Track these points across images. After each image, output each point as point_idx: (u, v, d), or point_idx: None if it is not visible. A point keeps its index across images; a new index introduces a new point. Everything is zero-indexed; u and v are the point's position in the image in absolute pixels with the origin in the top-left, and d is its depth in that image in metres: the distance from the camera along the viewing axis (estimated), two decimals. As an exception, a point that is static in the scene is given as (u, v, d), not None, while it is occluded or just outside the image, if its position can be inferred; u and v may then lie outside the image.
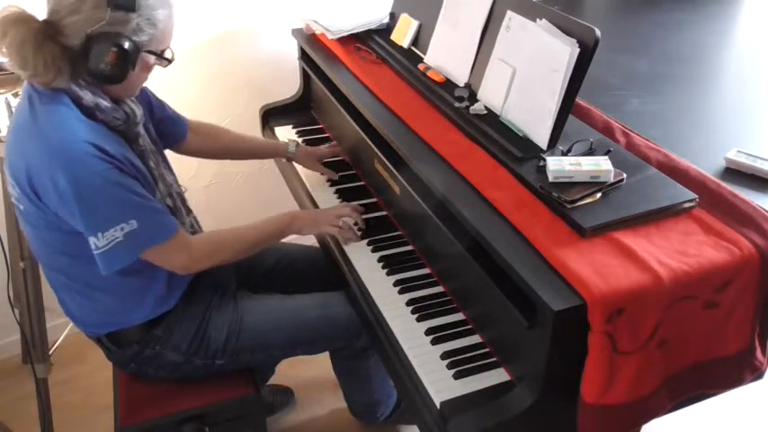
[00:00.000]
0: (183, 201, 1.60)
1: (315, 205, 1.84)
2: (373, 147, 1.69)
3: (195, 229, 1.61)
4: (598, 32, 1.29)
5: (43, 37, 1.26)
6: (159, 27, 1.34)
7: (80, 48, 1.27)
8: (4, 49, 1.28)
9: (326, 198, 1.84)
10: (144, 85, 1.48)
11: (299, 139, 2.11)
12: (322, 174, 1.92)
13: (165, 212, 1.41)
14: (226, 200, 2.52)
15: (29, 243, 1.51)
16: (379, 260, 1.59)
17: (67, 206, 1.28)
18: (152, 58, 1.38)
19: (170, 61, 1.42)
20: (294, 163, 1.97)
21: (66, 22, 1.26)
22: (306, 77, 2.22)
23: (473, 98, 1.58)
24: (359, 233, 1.65)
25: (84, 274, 1.43)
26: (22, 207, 1.38)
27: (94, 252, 1.31)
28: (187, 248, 1.43)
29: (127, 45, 1.28)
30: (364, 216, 1.70)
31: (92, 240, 1.30)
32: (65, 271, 1.46)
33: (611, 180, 1.28)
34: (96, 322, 1.52)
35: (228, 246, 1.52)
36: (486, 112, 1.53)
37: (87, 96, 1.33)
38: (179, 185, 1.60)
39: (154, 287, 1.48)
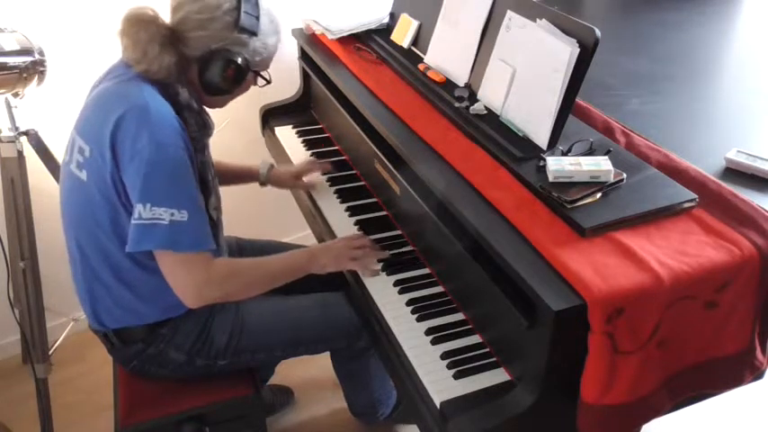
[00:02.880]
0: (221, 216, 1.60)
1: (314, 204, 1.84)
2: (373, 147, 1.69)
3: (222, 245, 1.60)
4: (598, 32, 1.29)
5: (167, 41, 1.38)
6: (269, 50, 1.51)
7: (197, 59, 1.43)
8: (126, 41, 1.39)
9: (326, 198, 1.84)
10: None
11: (299, 139, 2.11)
12: (303, 189, 1.90)
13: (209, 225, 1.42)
14: (227, 197, 2.51)
15: (67, 222, 1.50)
16: (380, 260, 1.59)
17: (135, 166, 1.31)
18: (253, 78, 1.52)
19: (268, 82, 1.56)
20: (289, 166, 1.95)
21: (193, 35, 1.41)
22: (306, 77, 2.22)
23: (473, 98, 1.58)
24: (382, 253, 1.59)
25: (113, 256, 1.43)
26: (84, 174, 1.40)
27: (133, 221, 1.33)
28: (207, 268, 1.40)
29: (243, 64, 1.44)
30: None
31: (138, 208, 1.32)
32: (97, 248, 1.44)
33: (611, 180, 1.28)
34: (108, 313, 1.51)
35: (245, 275, 1.49)
36: (486, 112, 1.53)
37: (185, 94, 1.43)
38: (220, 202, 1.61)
39: (170, 291, 1.43)
